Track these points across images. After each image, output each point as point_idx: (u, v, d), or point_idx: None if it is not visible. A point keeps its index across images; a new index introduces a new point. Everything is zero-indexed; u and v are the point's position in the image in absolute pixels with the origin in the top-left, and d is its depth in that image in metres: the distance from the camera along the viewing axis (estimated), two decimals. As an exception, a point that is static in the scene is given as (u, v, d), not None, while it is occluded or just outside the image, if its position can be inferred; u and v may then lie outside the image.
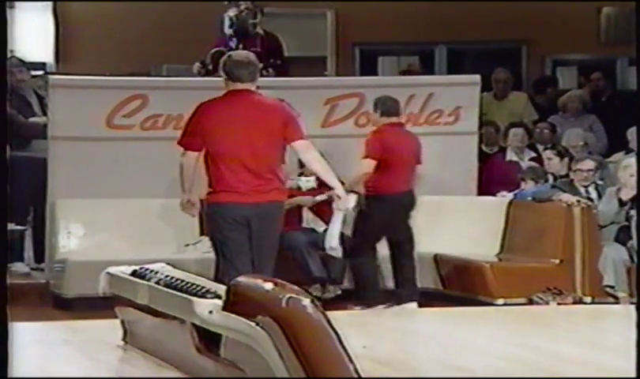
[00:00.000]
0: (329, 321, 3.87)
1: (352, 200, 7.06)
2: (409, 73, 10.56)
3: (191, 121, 6.05)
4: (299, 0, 10.49)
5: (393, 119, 7.59)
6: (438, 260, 8.19)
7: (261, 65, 8.44)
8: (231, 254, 5.89)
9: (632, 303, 7.58)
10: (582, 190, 8.20)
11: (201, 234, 7.88)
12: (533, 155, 9.37)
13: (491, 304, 7.56)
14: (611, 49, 11.32)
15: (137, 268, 5.74)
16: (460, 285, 8.01)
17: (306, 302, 3.91)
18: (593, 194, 8.17)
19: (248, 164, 5.86)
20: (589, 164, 8.29)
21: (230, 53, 6.32)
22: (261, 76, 8.78)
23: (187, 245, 8.00)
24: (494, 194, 8.78)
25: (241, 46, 8.78)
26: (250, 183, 5.85)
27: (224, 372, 4.51)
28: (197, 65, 8.96)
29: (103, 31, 10.79)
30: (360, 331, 6.34)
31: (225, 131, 5.88)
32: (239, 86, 5.91)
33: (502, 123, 9.81)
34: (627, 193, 7.74)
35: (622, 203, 7.80)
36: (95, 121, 8.25)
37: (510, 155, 9.40)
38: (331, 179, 6.15)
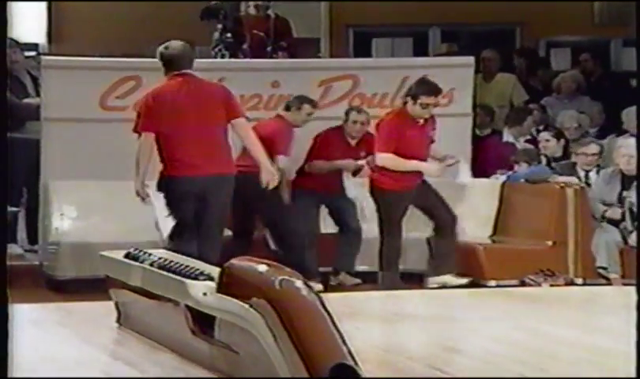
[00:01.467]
0: (322, 303, 3.87)
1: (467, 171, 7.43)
2: (448, 55, 10.45)
3: (141, 107, 6.78)
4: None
5: None
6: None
7: (269, 47, 8.65)
8: (182, 222, 6.67)
9: (625, 284, 7.60)
10: (582, 174, 8.21)
11: None
12: (528, 136, 9.38)
13: (484, 286, 7.58)
14: (605, 31, 11.32)
15: (130, 250, 5.76)
16: (453, 267, 8.03)
17: (300, 283, 3.91)
18: (594, 178, 8.18)
19: (194, 141, 6.52)
20: (593, 148, 8.32)
21: (167, 44, 6.83)
22: (271, 57, 8.92)
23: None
24: (488, 176, 8.79)
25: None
26: (196, 158, 6.52)
27: (218, 354, 4.51)
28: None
29: (96, 11, 10.76)
30: (354, 312, 6.36)
31: (171, 112, 6.58)
32: (181, 71, 6.66)
33: (491, 105, 9.82)
34: (629, 171, 7.76)
35: (624, 183, 7.82)
36: (88, 102, 8.23)
37: (507, 137, 9.41)
38: (260, 156, 6.74)
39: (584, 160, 8.22)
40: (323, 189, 7.94)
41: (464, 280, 7.45)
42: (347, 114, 8.12)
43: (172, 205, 6.70)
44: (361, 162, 8.03)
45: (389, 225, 7.48)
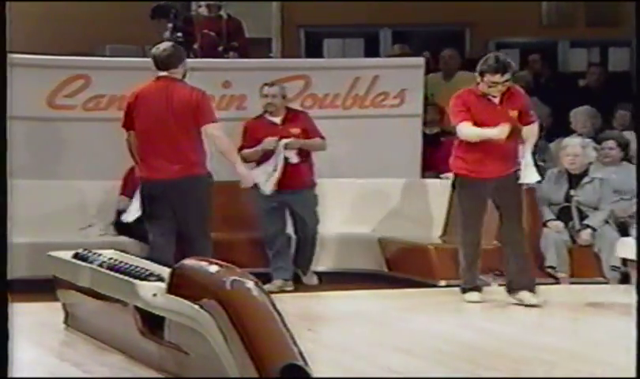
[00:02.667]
0: (273, 304, 3.86)
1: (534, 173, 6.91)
2: (401, 56, 10.36)
3: (126, 104, 6.77)
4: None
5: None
6: (382, 243, 8.21)
7: (221, 47, 8.57)
8: (151, 226, 6.61)
9: (572, 283, 7.68)
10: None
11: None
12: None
13: (434, 285, 7.60)
14: (552, 32, 11.44)
15: (79, 250, 5.69)
16: (404, 267, 8.04)
17: (251, 284, 3.89)
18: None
19: (163, 143, 6.50)
20: None
21: (158, 45, 6.81)
22: (222, 57, 8.85)
23: (82, 228, 7.85)
24: (439, 176, 8.82)
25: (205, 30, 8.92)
26: (164, 160, 6.50)
27: (167, 355, 4.47)
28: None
29: (44, 10, 10.62)
30: (305, 314, 6.35)
31: (145, 113, 6.59)
32: (161, 73, 6.62)
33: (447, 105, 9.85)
34: (576, 170, 7.82)
35: (571, 183, 7.89)
36: (36, 100, 8.13)
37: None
38: (234, 158, 6.74)
39: None
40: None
41: (538, 299, 6.81)
42: (260, 89, 7.91)
43: (143, 206, 6.68)
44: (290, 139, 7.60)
45: (462, 216, 6.92)
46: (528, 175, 6.90)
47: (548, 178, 7.99)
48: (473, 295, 6.91)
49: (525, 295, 6.78)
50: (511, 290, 6.88)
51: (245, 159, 7.33)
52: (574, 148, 7.86)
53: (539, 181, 7.39)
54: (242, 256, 7.16)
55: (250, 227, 7.87)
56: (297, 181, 7.65)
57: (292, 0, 11.17)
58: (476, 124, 6.72)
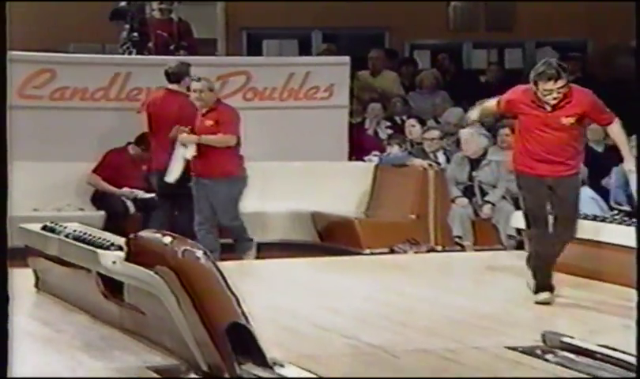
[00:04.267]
0: (219, 270, 3.85)
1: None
2: (327, 53, 10.25)
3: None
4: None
5: None
6: (315, 217, 8.23)
7: (172, 46, 8.55)
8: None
9: (476, 250, 7.79)
10: (432, 155, 8.39)
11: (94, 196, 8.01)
12: (389, 124, 9.51)
13: (359, 253, 7.65)
14: (458, 35, 11.59)
15: (47, 223, 5.62)
16: (334, 238, 8.08)
17: (200, 253, 3.88)
18: (441, 158, 8.37)
19: (158, 142, 7.38)
20: (433, 133, 8.53)
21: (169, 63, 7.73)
22: (173, 54, 8.79)
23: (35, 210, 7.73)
24: (362, 159, 8.87)
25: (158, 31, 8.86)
26: (161, 155, 7.29)
27: (126, 315, 4.45)
28: None
29: (16, 10, 10.38)
30: (248, 278, 6.34)
31: (153, 118, 7.55)
32: (170, 85, 7.58)
33: (364, 96, 9.92)
34: (472, 155, 7.91)
35: (472, 165, 7.98)
36: (8, 91, 7.98)
37: (369, 126, 9.52)
38: (209, 140, 7.10)
39: (429, 144, 8.41)
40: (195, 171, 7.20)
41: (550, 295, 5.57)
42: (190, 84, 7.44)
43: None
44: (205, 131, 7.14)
45: (526, 211, 5.72)
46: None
47: (454, 161, 8.09)
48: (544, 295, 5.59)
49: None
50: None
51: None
52: (464, 136, 7.98)
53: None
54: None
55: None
56: (207, 171, 7.11)
57: (234, 0, 11.12)
58: (527, 128, 5.62)
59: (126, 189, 7.93)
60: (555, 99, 5.52)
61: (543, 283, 5.54)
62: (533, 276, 5.60)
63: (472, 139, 7.91)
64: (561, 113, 5.55)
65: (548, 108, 5.57)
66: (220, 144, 7.11)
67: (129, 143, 8.05)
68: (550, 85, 5.51)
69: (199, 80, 7.41)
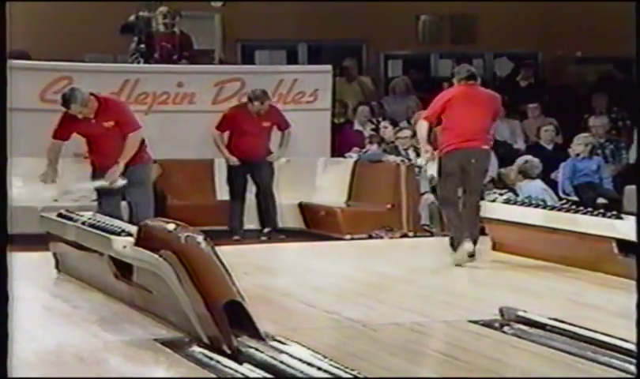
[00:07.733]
0: (216, 254, 3.85)
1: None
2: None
3: None
4: (194, 0, 10.29)
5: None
6: (302, 206, 8.24)
7: (175, 56, 8.55)
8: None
9: (443, 236, 7.82)
10: (404, 153, 8.41)
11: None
12: (373, 126, 9.54)
13: (342, 239, 7.66)
14: (426, 47, 11.65)
15: (62, 211, 5.63)
16: (319, 225, 8.09)
17: (200, 238, 3.88)
18: (412, 155, 8.38)
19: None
20: (405, 133, 8.58)
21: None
22: (176, 63, 8.80)
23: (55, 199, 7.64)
24: (344, 155, 8.89)
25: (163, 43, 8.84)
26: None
27: (136, 293, 4.44)
28: None
29: (38, 23, 10.32)
30: (243, 261, 6.34)
31: None
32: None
33: (350, 101, 9.96)
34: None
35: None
36: (31, 96, 7.94)
37: (357, 126, 9.56)
38: (125, 157, 6.47)
39: (402, 142, 8.45)
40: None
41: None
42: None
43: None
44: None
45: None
46: None
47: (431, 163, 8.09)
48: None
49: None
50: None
51: None
52: (424, 167, 7.96)
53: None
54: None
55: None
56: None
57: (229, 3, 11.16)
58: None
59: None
60: None
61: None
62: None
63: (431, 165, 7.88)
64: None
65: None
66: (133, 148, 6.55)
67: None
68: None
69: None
